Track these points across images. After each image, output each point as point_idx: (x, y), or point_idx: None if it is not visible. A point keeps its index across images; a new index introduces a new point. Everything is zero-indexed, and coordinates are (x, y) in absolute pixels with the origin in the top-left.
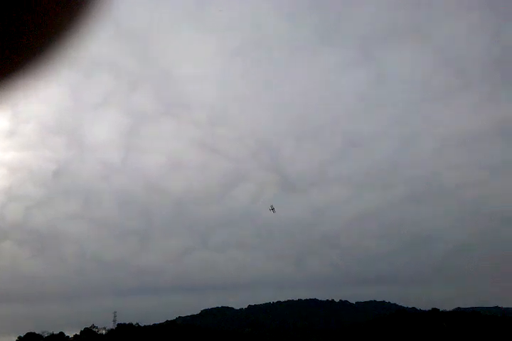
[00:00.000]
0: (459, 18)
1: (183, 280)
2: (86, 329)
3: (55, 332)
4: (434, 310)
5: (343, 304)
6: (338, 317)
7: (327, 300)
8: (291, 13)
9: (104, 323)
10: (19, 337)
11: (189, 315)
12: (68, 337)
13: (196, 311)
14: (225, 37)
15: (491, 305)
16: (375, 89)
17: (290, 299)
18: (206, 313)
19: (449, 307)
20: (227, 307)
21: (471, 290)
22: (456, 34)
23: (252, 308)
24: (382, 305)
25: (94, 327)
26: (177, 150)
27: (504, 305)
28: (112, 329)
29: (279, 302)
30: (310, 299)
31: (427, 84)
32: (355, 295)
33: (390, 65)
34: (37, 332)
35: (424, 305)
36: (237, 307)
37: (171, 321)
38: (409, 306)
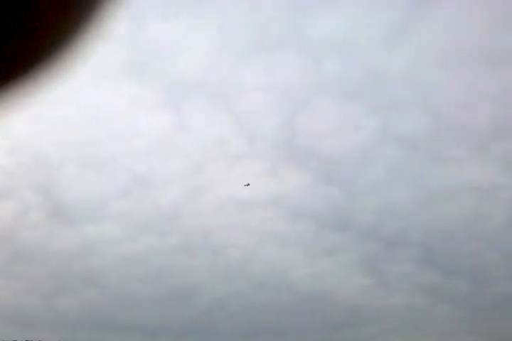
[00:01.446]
0: (261, 92)
1: None
2: None
3: None
4: None
5: None
6: None
7: None
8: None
9: None
10: None
11: None
12: None
13: None
14: None
15: None
16: (174, 136)
17: (29, 340)
18: None
19: None
20: None
21: None
22: (257, 106)
23: None
24: None
25: None
26: None
27: None
28: None
29: None
30: None
31: (220, 144)
32: None
33: (192, 117)
34: None
35: None
36: None
37: None
38: None
